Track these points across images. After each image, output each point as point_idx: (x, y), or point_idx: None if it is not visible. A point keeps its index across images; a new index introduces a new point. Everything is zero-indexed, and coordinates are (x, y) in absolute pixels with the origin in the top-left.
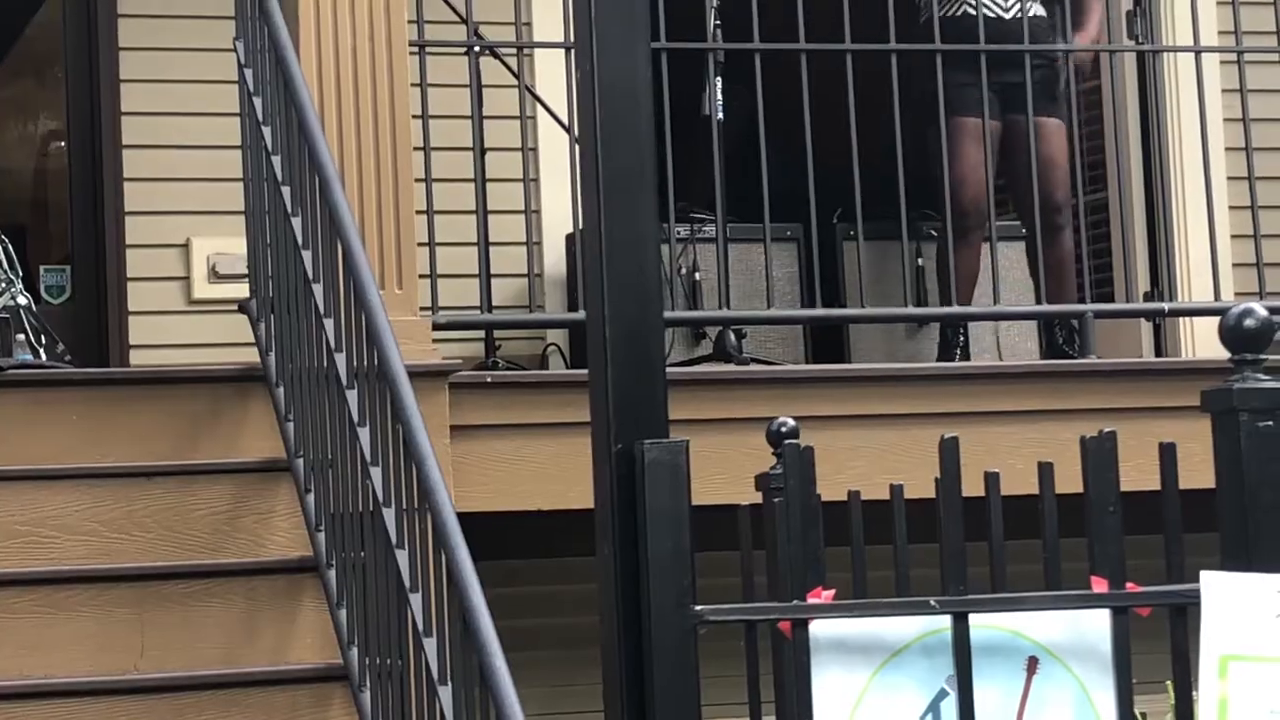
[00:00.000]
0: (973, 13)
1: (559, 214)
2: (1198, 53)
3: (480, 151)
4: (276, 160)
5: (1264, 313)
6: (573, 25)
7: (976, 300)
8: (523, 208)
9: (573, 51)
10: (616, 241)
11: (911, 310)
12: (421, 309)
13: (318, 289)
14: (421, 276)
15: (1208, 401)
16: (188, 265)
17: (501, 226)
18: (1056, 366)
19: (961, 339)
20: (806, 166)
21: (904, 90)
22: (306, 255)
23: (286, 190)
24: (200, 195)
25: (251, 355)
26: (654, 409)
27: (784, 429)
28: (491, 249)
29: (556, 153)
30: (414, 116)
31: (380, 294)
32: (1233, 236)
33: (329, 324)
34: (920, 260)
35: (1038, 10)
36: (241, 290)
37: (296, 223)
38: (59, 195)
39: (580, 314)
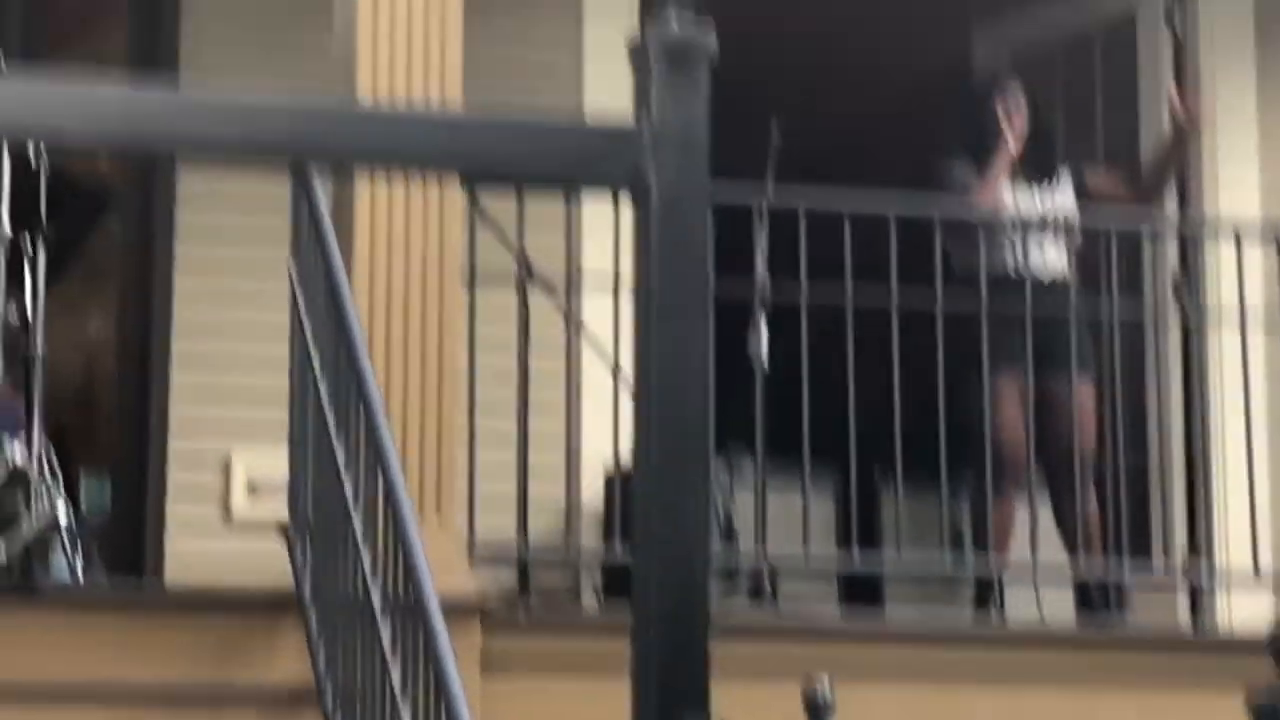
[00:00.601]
0: (1014, 275)
1: (599, 448)
2: (1243, 325)
3: (525, 383)
4: (323, 385)
5: None
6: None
7: (1011, 553)
8: (564, 440)
9: (623, 292)
10: (662, 559)
11: (951, 569)
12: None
13: (356, 516)
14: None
15: (1251, 697)
16: (227, 480)
17: (542, 457)
18: (1095, 636)
19: (998, 591)
20: (848, 413)
21: (947, 342)
22: (348, 481)
23: (331, 414)
24: (245, 409)
25: (286, 574)
26: (695, 684)
27: (822, 700)
28: (531, 479)
29: (599, 387)
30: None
31: (419, 522)
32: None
33: (365, 553)
34: (957, 512)
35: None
36: (280, 507)
37: (339, 447)
38: (105, 397)
39: (616, 556)
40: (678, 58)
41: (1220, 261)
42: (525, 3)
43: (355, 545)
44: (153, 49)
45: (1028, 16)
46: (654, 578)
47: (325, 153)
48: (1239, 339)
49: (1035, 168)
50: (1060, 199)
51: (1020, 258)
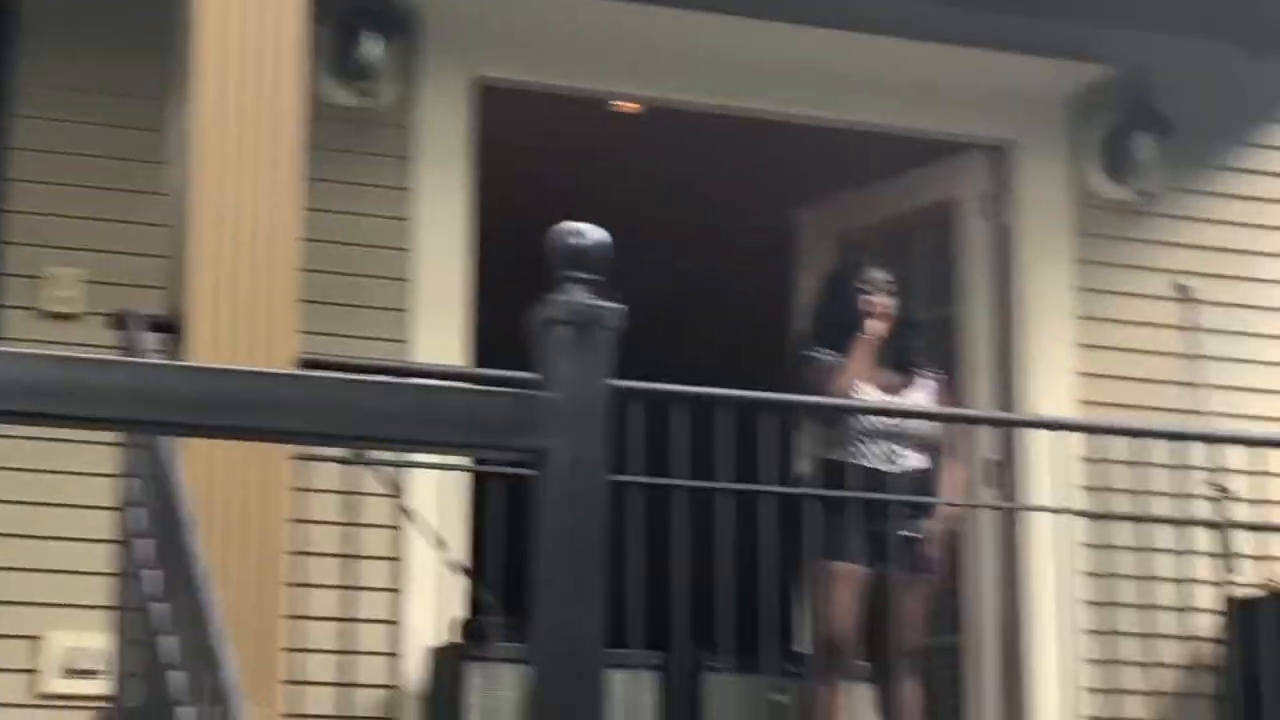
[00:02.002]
0: (862, 463)
1: (423, 628)
2: (1058, 513)
3: (349, 559)
4: (150, 574)
5: None
6: None
7: None
8: (389, 618)
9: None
10: None
11: None
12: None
13: (185, 713)
14: (282, 683)
15: None
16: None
17: (365, 636)
18: None
19: None
20: (675, 597)
21: (780, 527)
22: (176, 675)
23: (159, 607)
24: (60, 589)
25: None
26: None
27: None
28: (353, 659)
29: (423, 566)
30: (288, 521)
31: (245, 709)
32: (1088, 690)
33: None
34: (782, 697)
35: (920, 463)
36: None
37: (170, 641)
38: None
39: None
40: (581, 327)
41: (1036, 449)
42: (359, 172)
43: None
44: None
45: (852, 200)
46: None
47: (225, 419)
48: (1055, 526)
49: (895, 366)
50: (917, 395)
51: (869, 453)
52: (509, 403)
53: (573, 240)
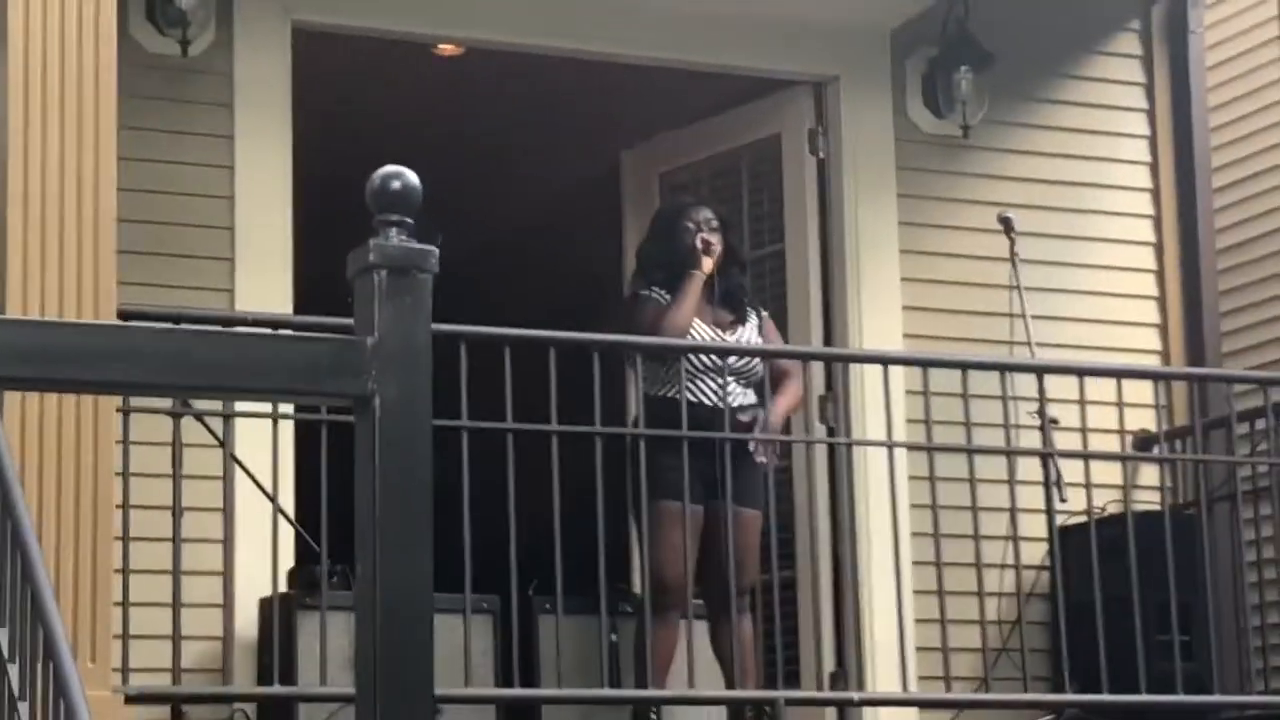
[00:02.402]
0: (691, 399)
1: (254, 578)
2: (890, 447)
3: (178, 511)
4: None
5: None
6: None
7: (670, 679)
8: (219, 569)
9: (275, 421)
10: None
11: (607, 692)
12: (113, 671)
13: (13, 669)
14: (114, 637)
15: None
16: None
17: (196, 588)
18: None
19: (655, 718)
20: (509, 539)
21: (612, 466)
22: (2, 633)
23: None
24: None
25: None
26: None
27: None
28: (185, 610)
29: (254, 515)
30: (115, 474)
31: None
32: (918, 621)
33: (23, 707)
34: (615, 637)
35: (749, 398)
36: None
37: None
38: None
39: (271, 688)
40: (400, 272)
41: (864, 384)
42: (178, 120)
43: (12, 696)
44: None
45: (676, 138)
46: None
47: (45, 371)
48: (884, 459)
49: (726, 303)
50: (749, 336)
51: (700, 390)
52: (330, 348)
53: (391, 184)
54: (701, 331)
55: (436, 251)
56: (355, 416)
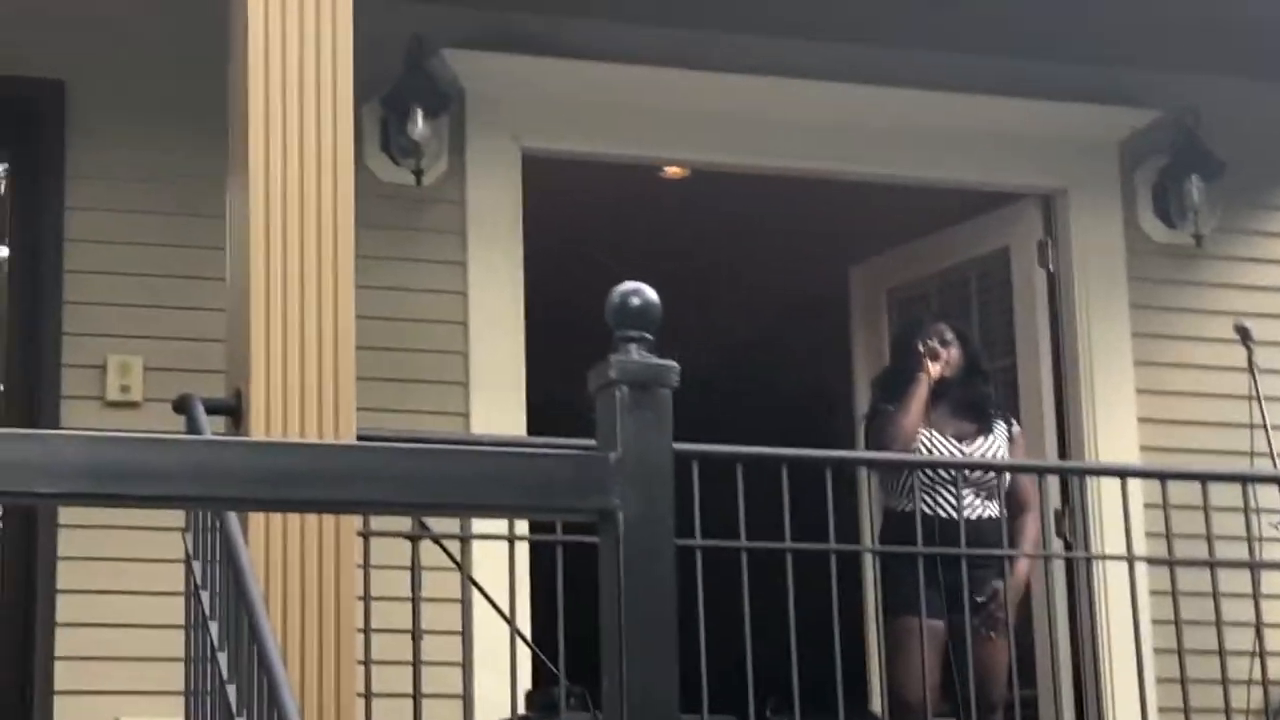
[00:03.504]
0: (927, 512)
1: (494, 701)
2: (1130, 560)
3: (418, 635)
4: (223, 657)
5: None
6: None
7: None
8: (458, 692)
9: (512, 543)
10: None
11: None
12: None
13: None
14: None
15: None
16: None
17: (436, 711)
18: None
19: None
20: (746, 661)
21: (846, 584)
22: None
23: (232, 689)
24: (133, 675)
25: None
26: None
27: None
28: None
29: (492, 638)
30: (357, 598)
31: None
32: None
33: None
34: None
35: (992, 511)
36: None
37: None
38: None
39: None
40: (642, 386)
41: (1101, 497)
42: (413, 248)
43: None
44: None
45: (904, 253)
46: None
47: (288, 493)
48: (1123, 573)
49: (969, 411)
50: (992, 448)
51: (939, 502)
52: (573, 463)
53: (630, 300)
54: (939, 443)
55: (677, 367)
56: (600, 532)
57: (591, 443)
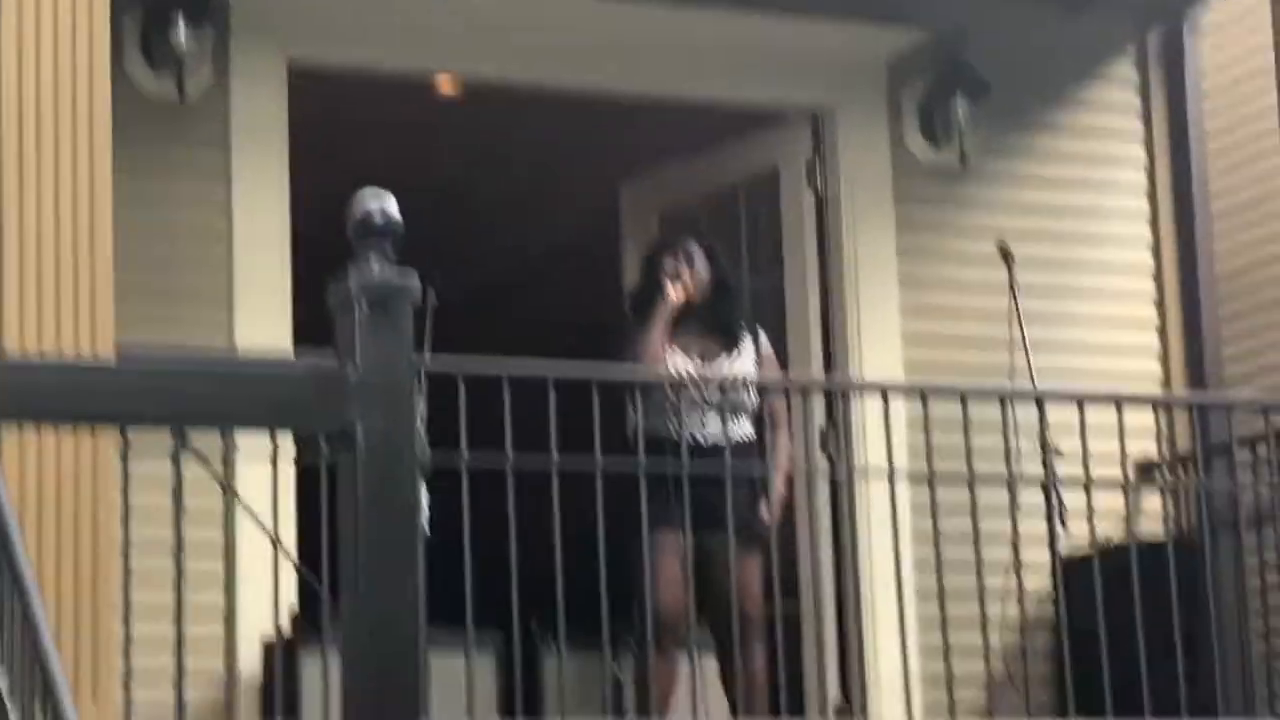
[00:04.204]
0: (674, 438)
1: (257, 618)
2: (891, 478)
3: (179, 551)
4: None
5: None
6: None
7: (672, 713)
8: (221, 611)
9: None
10: None
11: None
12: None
13: (12, 703)
14: (116, 677)
15: None
16: None
17: (198, 628)
18: None
19: None
20: (510, 576)
21: (614, 501)
22: (2, 674)
23: None
24: None
25: None
26: None
27: None
28: (189, 653)
29: (256, 556)
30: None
31: (75, 703)
32: (922, 651)
33: None
34: (618, 672)
35: (744, 432)
36: None
37: None
38: None
39: None
40: (381, 302)
41: (865, 414)
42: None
43: None
44: None
45: (673, 172)
46: None
47: (29, 407)
48: (886, 489)
49: (716, 330)
50: (739, 365)
51: (677, 421)
52: (310, 381)
53: (371, 212)
54: (682, 363)
55: (418, 283)
56: (338, 449)
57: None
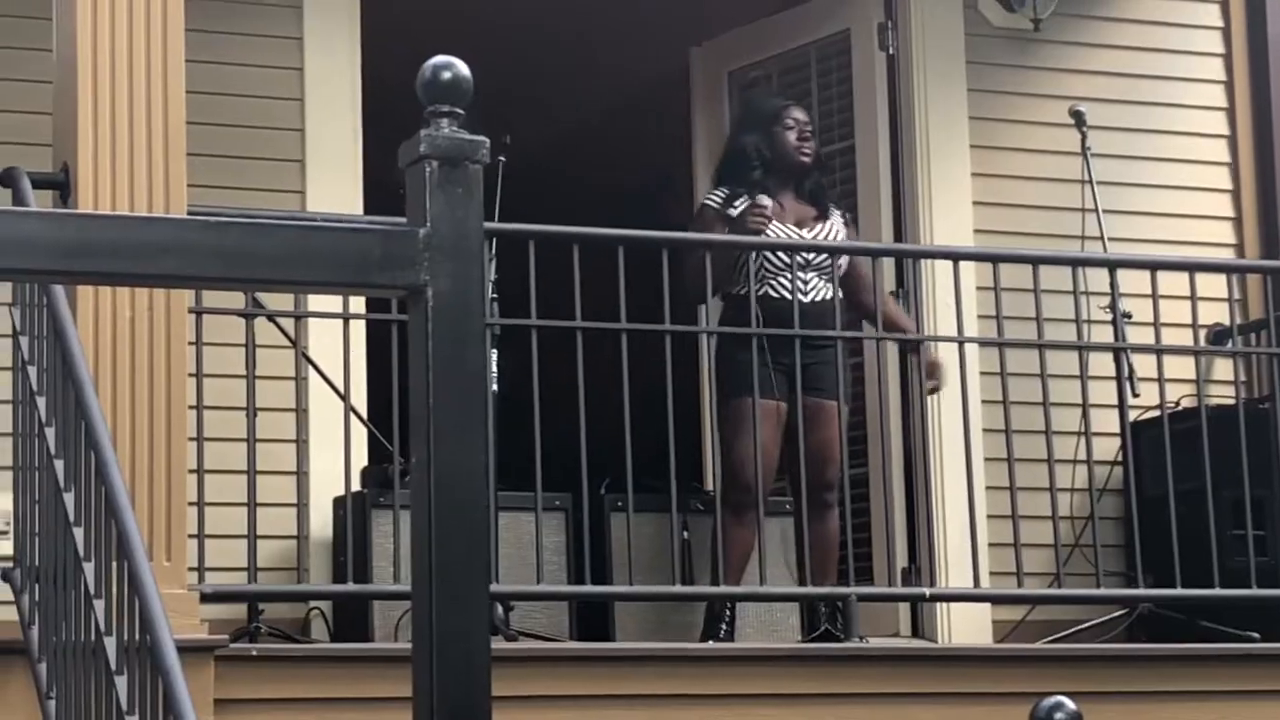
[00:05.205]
0: (773, 295)
1: (328, 477)
2: (960, 344)
3: (252, 412)
4: (50, 432)
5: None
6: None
7: (746, 577)
8: (293, 469)
9: (346, 322)
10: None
11: (678, 589)
12: (189, 569)
13: (89, 567)
14: (189, 536)
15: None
16: None
17: (271, 487)
18: (821, 650)
19: (728, 614)
20: (580, 439)
21: (682, 365)
22: (78, 532)
23: (59, 464)
24: None
25: (12, 621)
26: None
27: None
28: (260, 510)
29: (328, 415)
30: (189, 375)
31: (151, 568)
32: (990, 517)
33: (99, 605)
34: (687, 534)
35: (829, 294)
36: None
37: (69, 498)
38: None
39: (346, 586)
40: (451, 163)
41: (935, 280)
42: (245, 29)
43: (88, 594)
44: None
45: (746, 33)
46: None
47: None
48: (956, 355)
49: (809, 201)
50: (831, 232)
51: (780, 286)
52: (379, 239)
53: (441, 75)
54: (781, 231)
55: (487, 142)
56: (409, 308)
57: (403, 220)
